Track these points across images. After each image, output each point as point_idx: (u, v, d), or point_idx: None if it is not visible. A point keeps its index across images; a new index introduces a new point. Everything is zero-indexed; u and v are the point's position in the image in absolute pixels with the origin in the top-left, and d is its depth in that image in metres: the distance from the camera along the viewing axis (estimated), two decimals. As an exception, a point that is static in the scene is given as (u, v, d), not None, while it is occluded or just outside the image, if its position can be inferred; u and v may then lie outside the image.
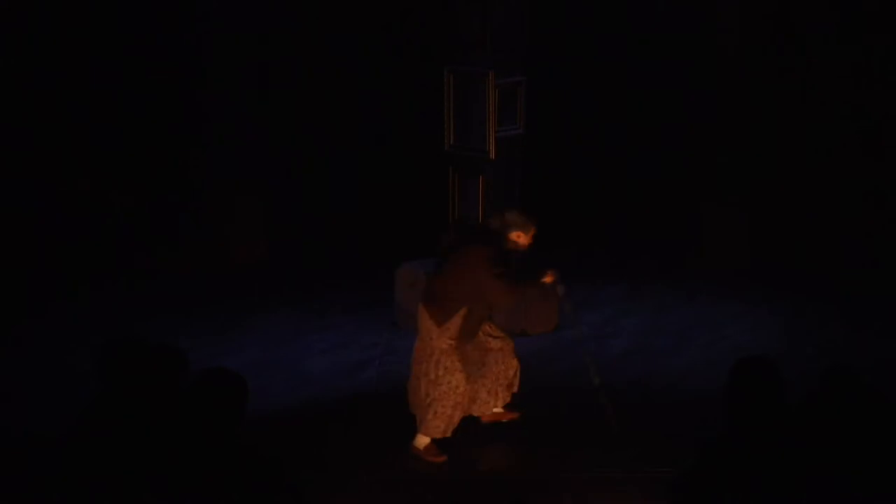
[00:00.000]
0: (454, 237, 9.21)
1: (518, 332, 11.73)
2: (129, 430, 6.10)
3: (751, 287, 12.96)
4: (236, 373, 5.95)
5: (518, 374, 9.63)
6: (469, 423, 9.77)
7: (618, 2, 14.01)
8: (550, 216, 13.92)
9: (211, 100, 13.63)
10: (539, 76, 12.26)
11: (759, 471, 5.77)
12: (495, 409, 9.66)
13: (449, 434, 9.16)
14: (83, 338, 11.05)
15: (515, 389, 9.64)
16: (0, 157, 13.11)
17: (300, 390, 10.50)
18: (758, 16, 13.55)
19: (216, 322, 12.02)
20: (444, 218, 12.12)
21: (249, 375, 6.04)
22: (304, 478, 6.99)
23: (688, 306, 12.51)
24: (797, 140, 13.66)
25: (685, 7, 13.75)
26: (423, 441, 9.19)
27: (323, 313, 12.34)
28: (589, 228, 14.43)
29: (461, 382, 9.07)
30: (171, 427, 5.93)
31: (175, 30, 13.47)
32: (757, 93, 13.59)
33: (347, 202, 14.11)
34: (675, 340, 11.58)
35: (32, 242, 12.96)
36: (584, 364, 9.87)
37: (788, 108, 13.62)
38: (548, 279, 9.24)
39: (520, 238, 9.11)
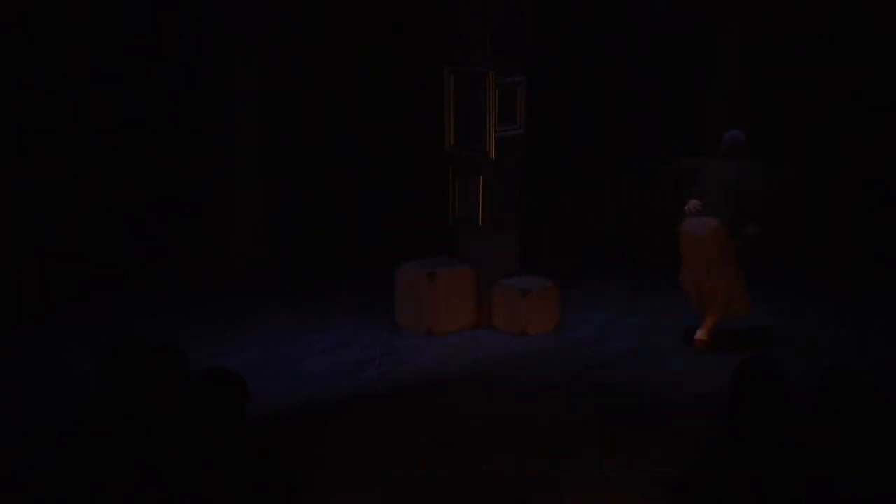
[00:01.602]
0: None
1: (518, 331, 11.75)
2: (129, 430, 6.10)
3: (751, 287, 12.94)
4: (236, 373, 5.95)
5: None
6: (469, 423, 9.78)
7: (618, 2, 14.01)
8: (550, 216, 14.00)
9: (211, 100, 13.63)
10: (539, 76, 12.26)
11: (759, 471, 5.77)
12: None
13: None
14: (83, 338, 11.04)
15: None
16: (-1, 157, 13.12)
17: (300, 390, 10.51)
18: (758, 16, 13.55)
19: (216, 322, 12.02)
20: (444, 218, 12.12)
21: (249, 375, 6.03)
22: (304, 478, 6.99)
23: (688, 307, 12.50)
24: (797, 140, 13.65)
25: (685, 7, 13.75)
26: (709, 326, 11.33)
27: (323, 313, 12.34)
28: (589, 228, 14.43)
29: None
30: (171, 427, 5.93)
31: (175, 30, 13.46)
32: (757, 93, 13.58)
33: (347, 202, 14.10)
34: (675, 340, 11.58)
35: (32, 242, 12.95)
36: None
37: (788, 108, 13.62)
38: (691, 207, 11.21)
39: None
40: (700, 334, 11.34)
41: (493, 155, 11.65)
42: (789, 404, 5.95)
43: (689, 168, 11.65)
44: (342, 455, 9.18)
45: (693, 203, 11.25)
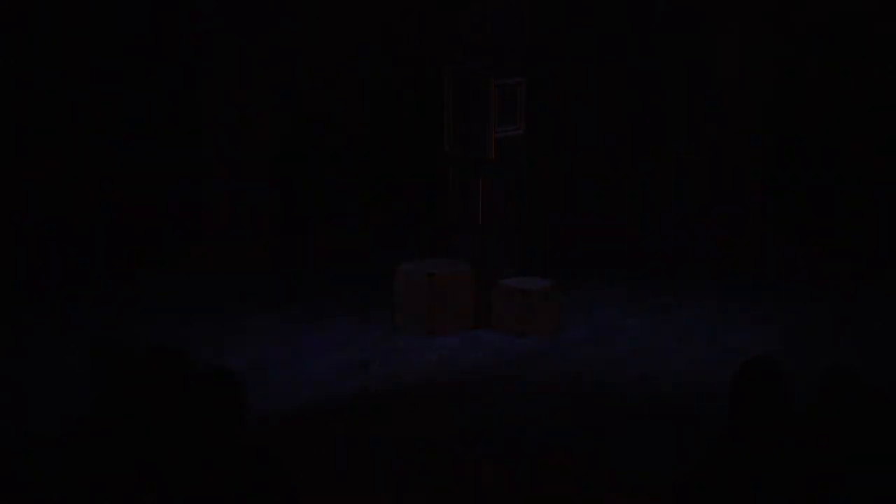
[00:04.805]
0: None
1: (518, 331, 11.75)
2: (129, 430, 6.10)
3: (751, 287, 12.96)
4: (236, 373, 5.95)
5: None
6: (469, 423, 9.78)
7: (618, 2, 14.01)
8: (550, 217, 14.00)
9: (211, 100, 13.62)
10: (539, 76, 12.26)
11: (759, 471, 5.77)
12: None
13: None
14: (83, 338, 11.02)
15: None
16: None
17: (300, 390, 10.51)
18: (758, 16, 13.56)
19: (216, 322, 12.01)
20: (444, 218, 12.13)
21: (249, 375, 6.03)
22: (304, 478, 6.99)
23: (688, 307, 12.51)
24: (797, 141, 13.66)
25: (685, 7, 13.75)
26: None
27: (323, 313, 12.34)
28: (589, 229, 14.43)
29: None
30: (171, 427, 5.93)
31: (175, 30, 13.45)
32: (757, 93, 13.59)
33: (348, 202, 14.10)
34: (675, 341, 11.59)
35: (32, 242, 12.95)
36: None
37: (788, 108, 13.62)
38: None
39: None
40: None
41: (493, 156, 11.65)
42: (789, 404, 5.95)
43: None
44: (342, 455, 9.18)
45: None
